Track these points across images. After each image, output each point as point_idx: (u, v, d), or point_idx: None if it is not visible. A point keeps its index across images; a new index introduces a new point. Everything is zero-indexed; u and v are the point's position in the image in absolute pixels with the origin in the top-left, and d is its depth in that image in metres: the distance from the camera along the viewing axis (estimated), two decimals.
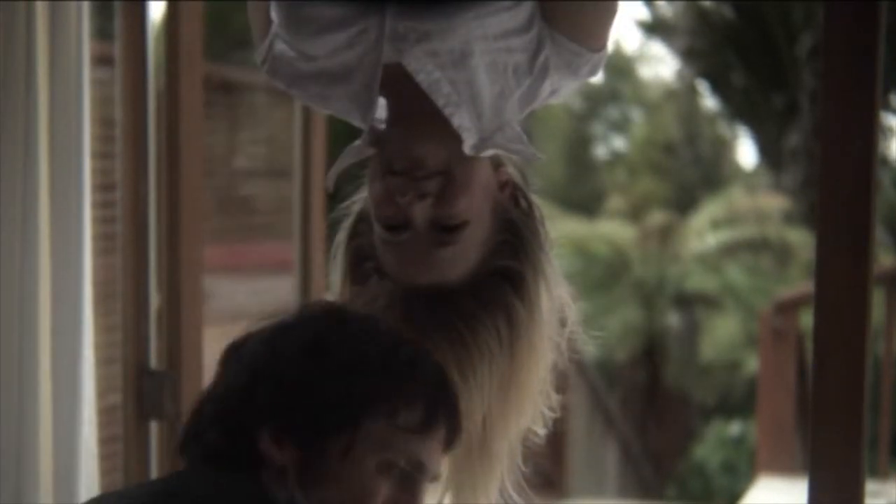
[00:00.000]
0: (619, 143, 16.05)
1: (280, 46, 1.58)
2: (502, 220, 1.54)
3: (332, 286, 1.59)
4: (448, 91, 1.47)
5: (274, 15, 1.58)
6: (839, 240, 1.95)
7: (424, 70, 1.47)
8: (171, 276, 2.54)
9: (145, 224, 2.53)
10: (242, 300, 5.36)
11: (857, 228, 1.94)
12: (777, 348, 6.08)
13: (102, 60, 2.75)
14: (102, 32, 2.98)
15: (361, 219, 1.58)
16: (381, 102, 1.56)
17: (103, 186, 2.86)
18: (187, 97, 2.50)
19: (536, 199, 1.61)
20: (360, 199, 1.61)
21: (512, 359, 1.50)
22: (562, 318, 1.57)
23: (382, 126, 1.57)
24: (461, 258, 1.49)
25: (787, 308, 6.17)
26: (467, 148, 1.47)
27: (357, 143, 1.57)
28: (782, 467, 6.01)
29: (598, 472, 9.72)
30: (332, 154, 4.00)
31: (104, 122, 2.96)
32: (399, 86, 1.51)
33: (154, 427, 2.59)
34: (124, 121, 2.57)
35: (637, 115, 15.81)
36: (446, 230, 1.47)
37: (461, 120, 1.47)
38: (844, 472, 1.95)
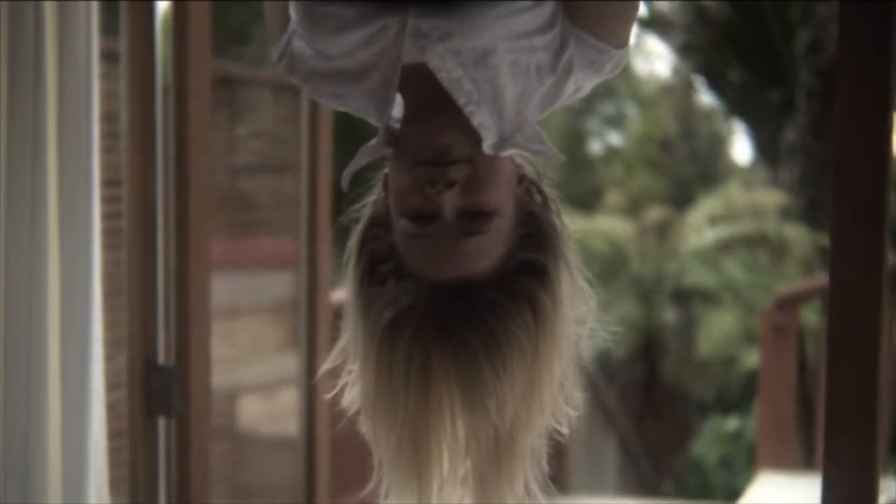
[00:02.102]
0: (614, 138, 16.05)
1: (298, 44, 1.57)
2: (524, 214, 1.53)
3: (348, 291, 1.58)
4: (469, 89, 1.47)
5: (293, 12, 1.57)
6: (853, 240, 1.95)
7: (446, 68, 1.46)
8: (180, 271, 2.53)
9: (153, 219, 2.53)
10: (240, 296, 5.35)
11: (871, 228, 1.94)
12: (777, 344, 6.08)
13: (103, 55, 2.75)
14: (103, 27, 2.97)
15: (375, 223, 1.57)
16: (398, 101, 1.56)
17: (106, 182, 2.85)
18: (195, 93, 2.50)
19: (552, 193, 1.61)
20: (370, 203, 1.60)
21: (537, 352, 1.49)
22: (583, 312, 1.57)
23: (398, 125, 1.56)
24: (489, 250, 1.48)
25: (788, 304, 6.17)
26: (487, 147, 1.46)
27: (372, 142, 1.57)
28: (782, 463, 6.02)
29: (598, 468, 9.72)
30: (338, 150, 4.00)
31: (105, 118, 2.95)
32: (418, 84, 1.50)
33: (161, 423, 2.59)
34: (130, 116, 2.56)
35: (632, 111, 15.81)
36: (475, 220, 1.46)
37: (482, 119, 1.46)
38: (858, 470, 1.95)
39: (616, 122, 15.76)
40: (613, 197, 12.82)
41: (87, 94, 2.22)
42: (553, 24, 1.49)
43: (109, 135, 2.92)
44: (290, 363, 4.41)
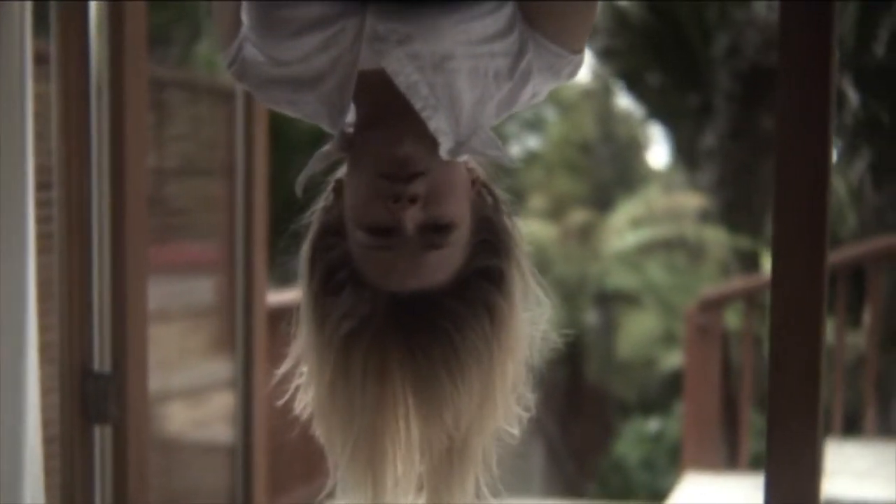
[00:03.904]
0: (532, 142, 16.11)
1: (249, 50, 1.55)
2: (479, 219, 1.53)
3: (303, 300, 1.56)
4: (426, 94, 1.45)
5: (246, 17, 1.54)
6: (795, 237, 1.96)
7: (403, 72, 1.45)
8: (116, 276, 2.49)
9: (88, 223, 2.48)
10: (163, 301, 5.29)
11: (813, 225, 1.96)
12: (702, 346, 6.15)
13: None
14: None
15: (327, 231, 1.55)
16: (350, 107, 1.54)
17: (37, 185, 2.80)
18: (132, 95, 2.46)
19: (502, 194, 1.61)
20: (320, 210, 1.58)
21: (493, 357, 1.49)
22: (536, 313, 1.57)
23: (351, 129, 1.55)
24: (450, 262, 1.48)
25: (712, 306, 6.24)
26: (443, 152, 1.46)
27: (327, 147, 1.55)
28: (707, 464, 6.08)
29: (524, 470, 9.75)
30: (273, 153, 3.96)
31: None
32: (373, 91, 1.49)
33: (97, 431, 2.53)
34: (63, 119, 2.50)
35: (551, 115, 15.87)
36: (436, 233, 1.45)
37: (438, 123, 1.46)
38: (801, 470, 1.96)
39: (535, 125, 15.82)
40: (536, 200, 12.88)
41: (20, 97, 2.18)
42: (512, 29, 1.49)
43: (37, 137, 2.87)
44: (217, 368, 4.37)
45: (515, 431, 1.59)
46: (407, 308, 1.46)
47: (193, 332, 4.73)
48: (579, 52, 1.53)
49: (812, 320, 1.96)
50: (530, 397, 1.60)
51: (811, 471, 1.96)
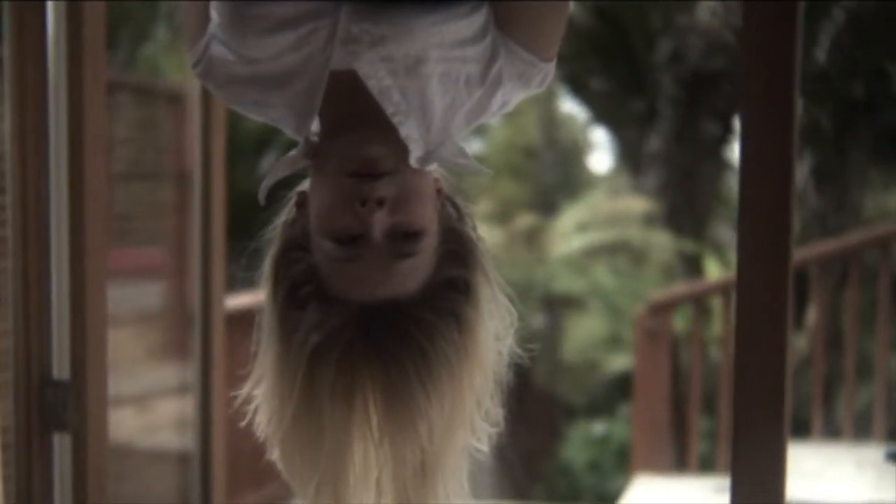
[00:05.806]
0: (477, 146, 16.14)
1: (217, 49, 1.52)
2: (444, 230, 1.51)
3: (266, 316, 1.53)
4: (398, 99, 1.44)
5: (215, 13, 1.52)
6: (760, 242, 1.97)
7: (376, 76, 1.43)
8: (75, 281, 2.45)
9: (45, 227, 2.44)
10: (111, 306, 5.23)
11: (777, 229, 1.97)
12: (651, 349, 6.18)
13: None
14: None
15: (291, 246, 1.52)
16: None
17: None
18: (91, 98, 2.42)
19: (465, 206, 1.59)
20: (282, 224, 1.56)
21: (462, 368, 1.48)
22: (503, 327, 1.56)
23: (315, 138, 1.53)
24: (419, 270, 1.46)
25: (661, 309, 6.27)
26: (413, 160, 1.44)
27: (291, 153, 1.53)
28: (657, 466, 6.12)
29: (474, 473, 9.74)
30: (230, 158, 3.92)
31: None
32: (340, 97, 1.47)
33: (56, 440, 2.50)
34: (17, 122, 2.46)
35: (495, 120, 15.91)
36: (405, 240, 1.44)
37: (409, 130, 1.44)
38: (766, 472, 1.97)
39: (479, 130, 15.86)
40: (481, 204, 12.89)
41: None
42: (485, 35, 1.48)
43: None
44: (166, 374, 4.33)
45: (484, 447, 1.58)
46: (377, 318, 1.44)
47: (139, 337, 4.69)
48: (550, 60, 1.53)
49: (777, 324, 1.97)
50: (499, 412, 1.58)
51: (776, 476, 1.97)
